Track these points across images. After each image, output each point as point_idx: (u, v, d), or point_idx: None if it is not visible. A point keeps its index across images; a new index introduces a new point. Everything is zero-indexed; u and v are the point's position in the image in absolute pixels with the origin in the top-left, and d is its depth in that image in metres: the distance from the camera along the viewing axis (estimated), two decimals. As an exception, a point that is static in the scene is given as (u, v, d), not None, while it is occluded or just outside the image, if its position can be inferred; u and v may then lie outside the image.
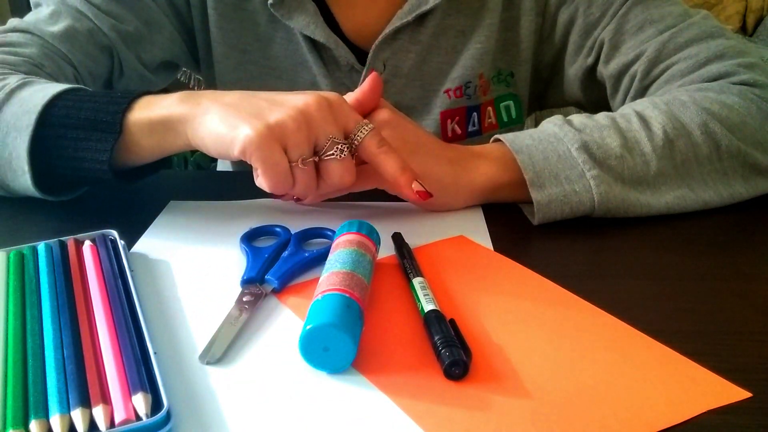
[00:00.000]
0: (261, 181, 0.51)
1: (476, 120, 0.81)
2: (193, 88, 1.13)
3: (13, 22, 0.70)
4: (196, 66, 0.83)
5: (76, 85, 0.59)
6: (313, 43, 0.75)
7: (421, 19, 0.74)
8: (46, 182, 0.57)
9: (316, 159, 0.52)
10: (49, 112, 0.55)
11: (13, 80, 0.59)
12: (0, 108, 0.57)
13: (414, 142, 0.59)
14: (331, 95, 0.53)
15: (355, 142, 0.53)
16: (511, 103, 0.82)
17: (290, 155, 0.50)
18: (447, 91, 0.78)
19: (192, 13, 0.77)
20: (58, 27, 0.69)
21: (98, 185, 0.60)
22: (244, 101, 0.52)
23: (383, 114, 0.58)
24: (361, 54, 0.76)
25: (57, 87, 0.57)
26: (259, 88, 0.62)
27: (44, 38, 0.68)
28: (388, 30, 0.73)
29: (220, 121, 0.51)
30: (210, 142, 0.52)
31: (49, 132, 0.55)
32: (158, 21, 0.75)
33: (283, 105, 0.51)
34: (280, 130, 0.49)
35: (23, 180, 0.56)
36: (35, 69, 0.65)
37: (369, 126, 0.54)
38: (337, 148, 0.51)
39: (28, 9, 0.74)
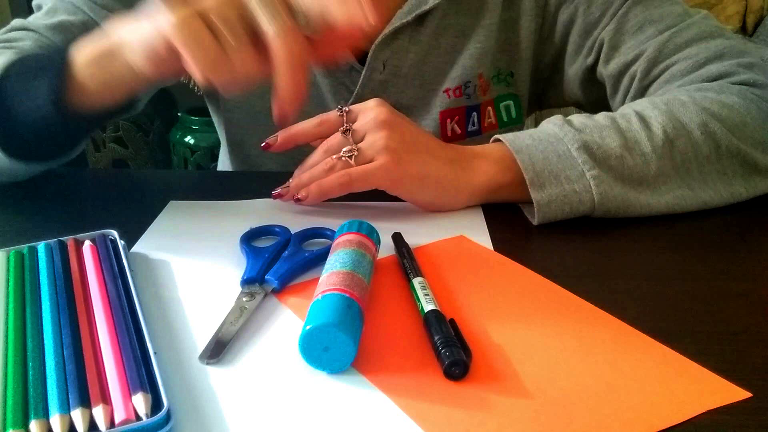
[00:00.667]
0: (193, 69, 0.47)
1: (476, 120, 0.81)
2: (193, 88, 1.12)
3: (15, 22, 0.71)
4: None
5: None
6: None
7: (421, 18, 0.74)
8: (9, 144, 0.58)
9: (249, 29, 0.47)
10: (8, 69, 0.56)
11: None
12: None
13: (414, 142, 0.59)
14: None
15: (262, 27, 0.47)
16: (510, 102, 0.82)
17: (219, 35, 0.46)
18: (447, 91, 0.78)
19: None
20: (52, 20, 0.70)
21: (56, 134, 0.58)
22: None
23: (383, 114, 0.58)
24: (361, 55, 0.76)
25: (27, 51, 0.58)
26: (258, 86, 0.60)
27: (39, 31, 0.69)
28: (387, 30, 0.73)
29: (144, 19, 0.49)
30: (138, 46, 0.49)
31: (6, 85, 0.56)
32: None
33: None
34: (200, 7, 0.46)
35: None
36: None
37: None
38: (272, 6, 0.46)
39: (28, 9, 0.74)
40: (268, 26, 0.46)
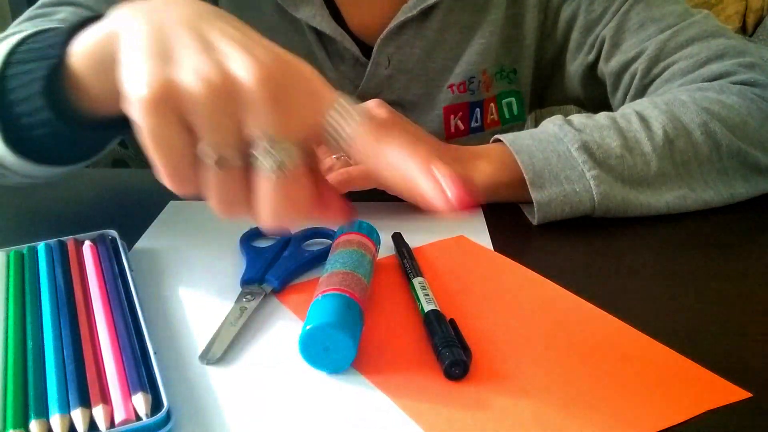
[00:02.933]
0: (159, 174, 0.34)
1: (479, 116, 0.81)
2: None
3: None
4: None
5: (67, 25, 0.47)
6: (318, 35, 0.75)
7: (426, 14, 0.74)
8: (18, 142, 0.48)
9: (240, 164, 0.33)
10: (15, 50, 0.46)
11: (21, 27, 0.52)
12: None
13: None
14: (302, 66, 0.35)
15: (339, 139, 0.34)
16: (513, 99, 0.82)
17: (199, 145, 0.33)
18: (451, 87, 0.78)
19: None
20: None
21: (67, 142, 0.48)
22: (174, 27, 0.34)
23: (382, 114, 0.58)
24: (366, 49, 0.76)
25: (43, 25, 0.48)
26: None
27: (77, 2, 0.65)
28: (393, 24, 0.73)
29: (126, 55, 0.34)
30: (121, 89, 0.34)
31: (11, 71, 0.46)
32: None
33: (217, 57, 0.33)
34: (184, 98, 0.31)
35: None
36: None
37: (353, 112, 0.35)
38: (277, 156, 0.32)
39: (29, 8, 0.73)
40: (267, 164, 0.33)
